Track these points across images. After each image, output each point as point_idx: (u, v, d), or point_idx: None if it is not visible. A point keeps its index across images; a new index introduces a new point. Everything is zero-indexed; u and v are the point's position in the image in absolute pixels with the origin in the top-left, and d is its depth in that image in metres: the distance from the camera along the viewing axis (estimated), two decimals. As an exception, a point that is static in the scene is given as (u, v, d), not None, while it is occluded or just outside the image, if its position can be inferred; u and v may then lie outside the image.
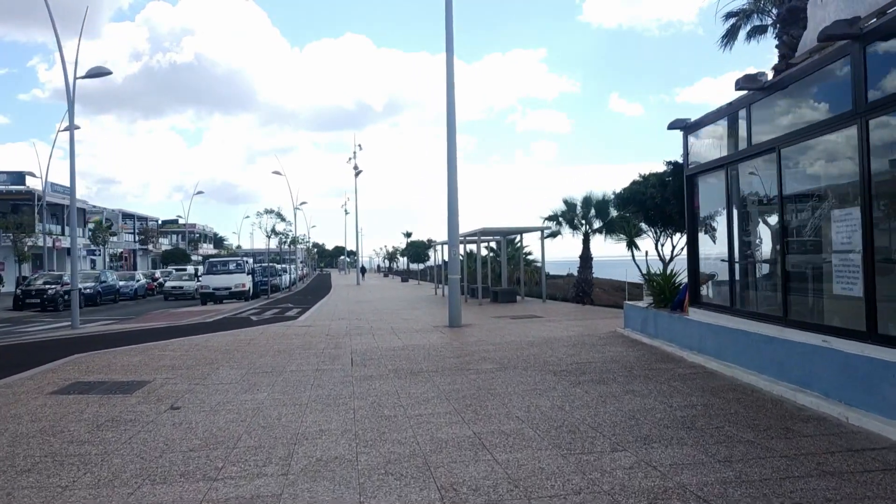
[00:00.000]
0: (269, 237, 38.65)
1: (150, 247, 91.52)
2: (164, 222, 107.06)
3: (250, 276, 37.37)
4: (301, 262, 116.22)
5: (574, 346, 12.47)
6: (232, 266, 37.18)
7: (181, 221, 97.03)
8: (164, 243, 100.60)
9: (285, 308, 27.66)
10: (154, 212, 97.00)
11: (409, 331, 16.65)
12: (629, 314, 13.83)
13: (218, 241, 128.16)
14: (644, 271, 13.77)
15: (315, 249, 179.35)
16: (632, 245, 36.01)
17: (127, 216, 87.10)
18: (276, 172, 58.43)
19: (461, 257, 37.71)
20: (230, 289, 35.35)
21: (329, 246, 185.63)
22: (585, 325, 16.54)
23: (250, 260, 41.28)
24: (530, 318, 19.20)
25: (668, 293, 12.27)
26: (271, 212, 38.21)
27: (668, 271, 12.94)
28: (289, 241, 58.58)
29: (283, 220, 38.75)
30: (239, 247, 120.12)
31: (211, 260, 38.51)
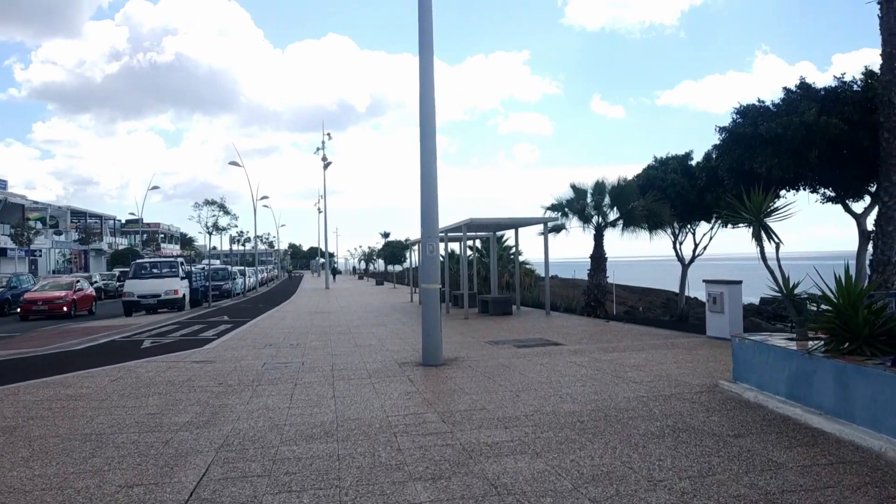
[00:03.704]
0: (209, 234, 32.07)
1: (107, 247, 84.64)
2: (128, 221, 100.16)
3: (185, 280, 30.82)
4: (273, 264, 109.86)
5: (673, 440, 6.25)
6: (162, 269, 30.61)
7: (135, 219, 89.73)
8: (123, 243, 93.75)
9: (212, 324, 21.25)
10: (130, 214, 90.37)
11: (358, 374, 10.37)
12: (748, 359, 7.60)
13: (186, 242, 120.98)
14: (773, 274, 7.45)
15: (290, 250, 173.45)
16: (675, 237, 30.19)
17: (77, 214, 79.91)
18: (234, 163, 51.94)
19: (441, 257, 31.54)
20: (159, 296, 28.85)
21: (306, 247, 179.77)
22: (640, 367, 10.33)
23: (183, 261, 34.65)
24: (543, 346, 12.98)
25: (863, 325, 6.08)
26: (212, 203, 31.64)
27: (848, 281, 6.61)
28: (243, 239, 52.07)
29: (227, 213, 32.19)
30: (214, 248, 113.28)
31: (138, 262, 31.89)
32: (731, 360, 10.18)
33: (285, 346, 14.29)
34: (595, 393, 8.12)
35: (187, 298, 30.94)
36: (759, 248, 7.40)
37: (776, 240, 7.35)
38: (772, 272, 7.34)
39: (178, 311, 29.13)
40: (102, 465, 5.75)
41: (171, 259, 34.74)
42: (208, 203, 31.93)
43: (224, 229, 32.45)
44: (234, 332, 18.05)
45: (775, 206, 7.43)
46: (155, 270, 30.64)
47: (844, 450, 5.42)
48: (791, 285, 7.32)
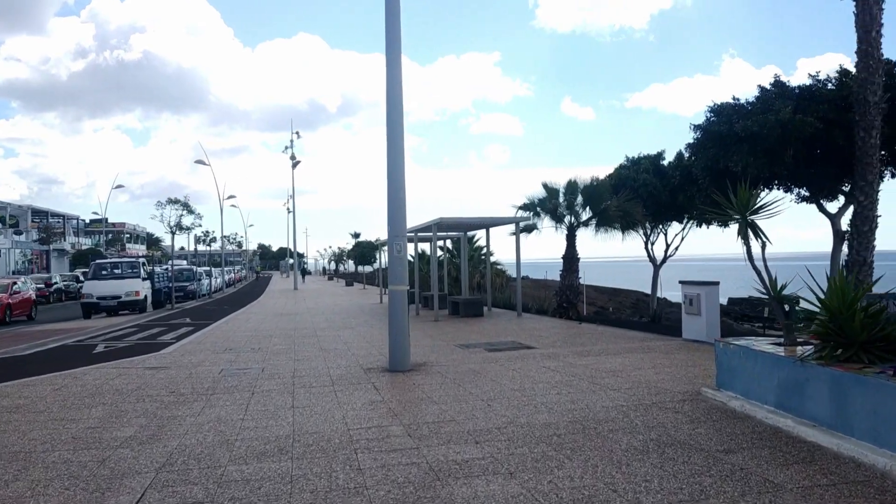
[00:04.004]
0: (173, 233, 31.15)
1: (70, 247, 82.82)
2: (92, 221, 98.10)
3: (147, 281, 29.90)
4: (242, 265, 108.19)
5: (659, 456, 5.77)
6: (123, 269, 29.64)
7: (99, 219, 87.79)
8: (87, 243, 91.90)
9: (173, 327, 20.48)
10: (94, 213, 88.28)
11: (321, 381, 9.78)
12: (733, 365, 7.16)
13: (152, 242, 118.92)
14: (760, 275, 6.98)
15: (259, 251, 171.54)
16: (646, 237, 29.86)
17: (39, 213, 77.97)
18: (200, 162, 50.92)
19: (410, 258, 30.98)
20: (120, 298, 27.91)
21: (275, 248, 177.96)
22: (616, 372, 9.88)
23: (145, 261, 33.63)
24: (515, 350, 12.49)
25: (860, 330, 5.65)
26: (176, 202, 30.73)
27: (842, 279, 6.16)
28: (209, 239, 51.07)
29: (191, 212, 31.31)
30: (182, 248, 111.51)
31: (97, 262, 30.86)
32: (711, 365, 9.76)
33: (246, 350, 13.64)
34: (571, 402, 7.63)
35: (149, 300, 30.02)
36: (745, 247, 6.97)
37: (763, 238, 6.92)
38: (759, 273, 6.91)
39: (140, 313, 28.24)
40: (25, 490, 5.12)
41: (133, 259, 33.74)
42: (171, 202, 31.06)
43: (188, 229, 31.60)
44: (195, 335, 17.33)
45: (763, 202, 6.99)
46: (115, 271, 29.68)
47: (845, 467, 4.98)
48: (779, 287, 6.89)
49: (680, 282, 13.79)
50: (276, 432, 6.72)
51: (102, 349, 14.64)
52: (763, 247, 7.13)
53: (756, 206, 6.91)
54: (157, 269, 38.15)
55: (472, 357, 11.71)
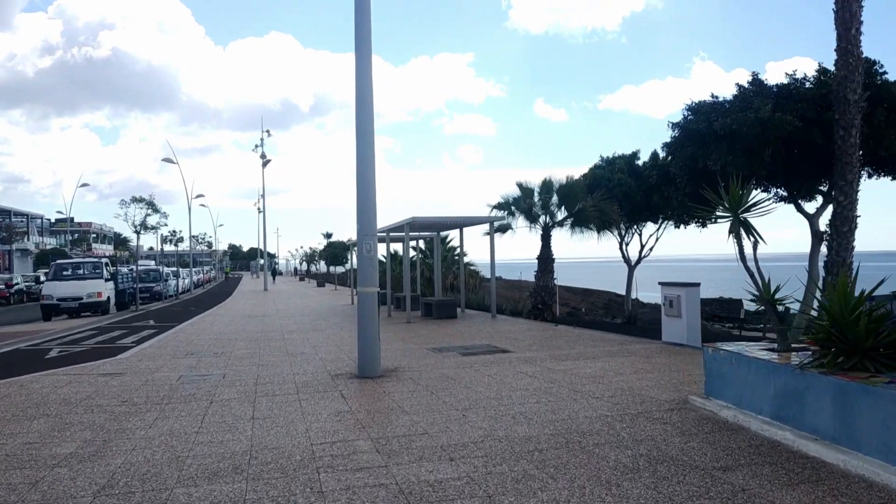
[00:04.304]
0: (137, 233, 30.25)
1: (33, 247, 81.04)
2: (57, 221, 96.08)
3: (111, 282, 28.98)
4: (211, 266, 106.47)
5: (651, 475, 5.31)
6: (85, 270, 28.70)
7: (65, 218, 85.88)
8: (52, 243, 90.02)
9: (134, 329, 19.73)
10: (58, 213, 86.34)
11: (285, 388, 9.21)
12: (723, 372, 6.71)
13: (119, 242, 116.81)
14: (753, 276, 6.53)
15: (229, 251, 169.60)
16: (621, 238, 29.57)
17: (1, 212, 76.03)
18: (168, 160, 49.82)
19: (382, 258, 30.40)
20: (81, 299, 27.02)
21: (246, 248, 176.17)
22: (597, 378, 9.44)
23: (108, 262, 32.66)
24: (491, 354, 12.01)
25: (864, 336, 5.23)
26: (140, 200, 29.83)
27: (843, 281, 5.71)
28: (175, 239, 50.00)
29: (156, 211, 30.42)
30: (151, 248, 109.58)
31: (58, 262, 29.86)
32: (696, 370, 9.38)
33: (208, 354, 13.00)
34: (552, 411, 7.15)
35: (112, 301, 29.11)
36: (737, 247, 6.53)
37: (756, 237, 6.49)
38: (751, 274, 6.48)
39: (103, 314, 27.37)
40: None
41: (95, 259, 32.74)
42: (136, 200, 30.14)
43: (153, 228, 30.70)
44: (157, 338, 16.63)
45: (755, 200, 6.56)
46: (77, 271, 28.74)
47: (856, 487, 4.55)
48: (773, 289, 6.46)
49: (660, 283, 13.40)
50: (233, 448, 6.15)
51: (56, 354, 13.91)
52: (755, 246, 6.71)
53: (748, 204, 6.48)
54: (123, 269, 37.21)
55: (445, 362, 11.20)
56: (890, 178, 17.61)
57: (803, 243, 17.87)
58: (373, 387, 9.07)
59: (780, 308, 6.62)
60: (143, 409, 7.99)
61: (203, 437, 6.61)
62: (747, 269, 6.53)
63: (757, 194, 7.31)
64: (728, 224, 6.79)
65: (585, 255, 45.12)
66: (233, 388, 9.24)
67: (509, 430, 6.42)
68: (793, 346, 6.39)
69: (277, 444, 6.20)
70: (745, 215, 6.47)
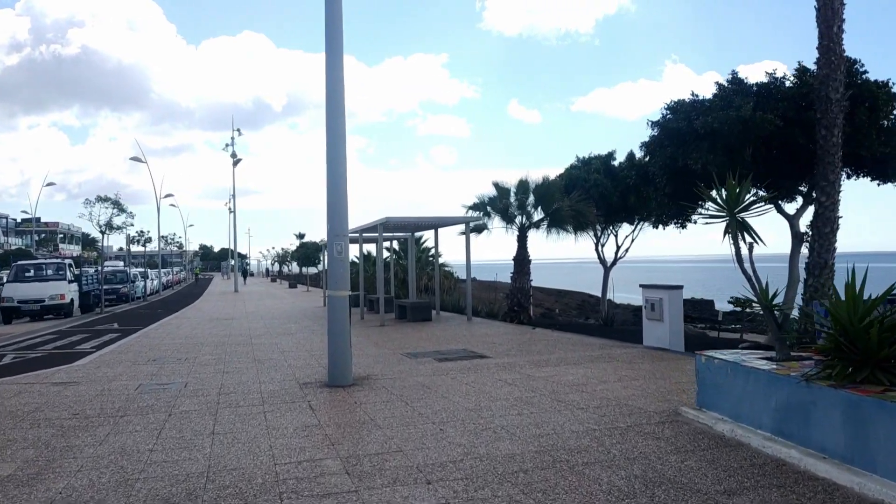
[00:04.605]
0: (102, 232, 29.40)
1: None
2: (23, 220, 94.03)
3: (74, 283, 28.10)
4: (182, 266, 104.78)
5: (649, 500, 4.86)
6: (47, 271, 27.80)
7: (30, 217, 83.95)
8: (18, 244, 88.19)
9: (97, 333, 18.99)
10: (23, 212, 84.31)
11: (250, 399, 8.65)
12: (718, 383, 6.29)
13: (88, 242, 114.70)
14: (751, 280, 6.09)
15: (200, 252, 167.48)
16: (597, 239, 29.25)
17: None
18: (136, 159, 48.77)
19: (356, 259, 29.81)
20: (43, 301, 26.15)
21: (217, 248, 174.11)
22: (580, 386, 9.00)
23: (72, 262, 31.72)
24: (468, 360, 11.53)
25: (877, 346, 4.82)
26: (105, 199, 28.98)
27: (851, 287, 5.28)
28: (143, 239, 49.02)
29: (122, 211, 29.58)
30: (121, 249, 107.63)
31: (19, 263, 28.94)
32: (682, 378, 8.98)
33: (171, 361, 12.38)
34: (535, 425, 6.68)
35: (76, 304, 28.25)
36: (734, 248, 6.11)
37: (755, 238, 6.08)
38: (749, 277, 6.06)
39: (66, 317, 26.52)
40: None
41: (58, 260, 31.78)
42: (101, 199, 29.26)
43: (119, 228, 29.82)
44: (119, 343, 15.94)
45: (751, 198, 6.14)
46: (40, 273, 27.82)
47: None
48: (771, 294, 6.05)
49: (641, 285, 13.01)
50: (188, 468, 5.60)
51: (10, 360, 13.19)
52: (751, 248, 6.30)
53: (745, 203, 6.06)
54: (89, 270, 36.23)
55: (420, 368, 10.70)
56: (870, 179, 17.43)
57: (781, 244, 17.62)
58: (343, 397, 8.54)
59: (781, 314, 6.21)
60: (94, 423, 7.40)
61: (157, 455, 6.05)
62: (744, 271, 6.12)
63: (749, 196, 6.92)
64: (722, 225, 6.38)
65: (561, 256, 44.91)
66: (194, 399, 8.67)
67: (491, 446, 5.94)
68: (792, 354, 5.98)
69: (238, 465, 5.67)
70: (741, 215, 6.05)
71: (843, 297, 5.16)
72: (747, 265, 6.17)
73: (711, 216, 6.22)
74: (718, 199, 6.18)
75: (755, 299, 6.04)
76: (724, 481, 4.82)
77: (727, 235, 6.08)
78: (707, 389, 6.52)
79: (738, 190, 6.09)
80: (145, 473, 5.51)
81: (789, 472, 4.94)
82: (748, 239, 6.16)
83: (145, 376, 10.63)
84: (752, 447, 5.55)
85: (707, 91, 17.69)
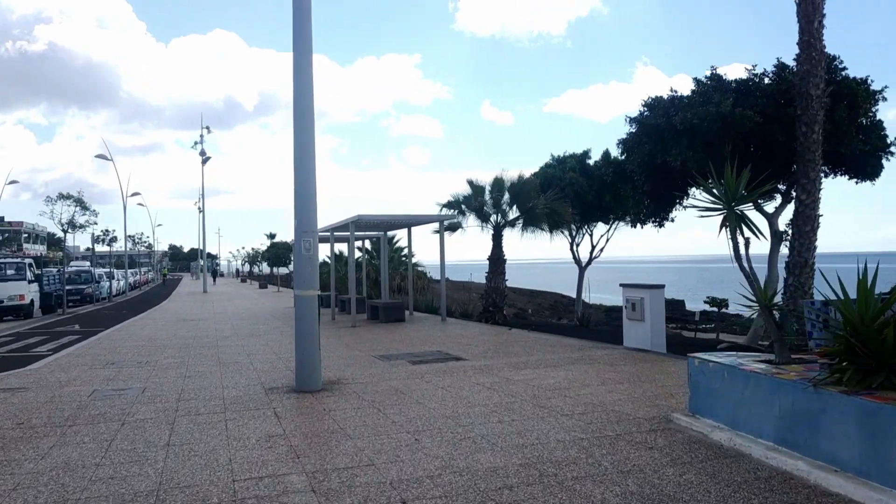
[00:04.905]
0: (65, 231, 28.47)
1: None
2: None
3: (35, 283, 27.15)
4: (151, 267, 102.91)
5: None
6: (6, 271, 26.81)
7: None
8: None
9: (56, 335, 18.23)
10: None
11: (211, 405, 8.09)
12: (713, 388, 5.87)
13: (54, 242, 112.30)
14: (749, 277, 5.69)
15: (170, 252, 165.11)
16: (572, 238, 28.91)
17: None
18: (101, 156, 47.66)
19: (327, 259, 29.21)
20: (2, 302, 25.21)
21: (187, 248, 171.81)
22: (562, 390, 8.56)
23: (32, 262, 30.69)
24: (443, 362, 11.05)
25: (892, 348, 4.42)
26: (68, 197, 28.05)
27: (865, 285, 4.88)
28: (108, 238, 47.88)
29: (85, 209, 28.66)
30: (88, 249, 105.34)
31: (-25, 263, 27.97)
32: (668, 381, 8.59)
33: (131, 364, 11.75)
34: (518, 434, 6.21)
35: (37, 305, 27.31)
36: (732, 244, 5.68)
37: (755, 232, 5.67)
38: (748, 275, 5.65)
39: (25, 318, 25.62)
40: None
41: (18, 260, 30.73)
42: (63, 197, 28.31)
43: (82, 227, 28.88)
44: (78, 345, 15.22)
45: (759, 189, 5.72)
46: (-2, 272, 26.82)
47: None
48: (770, 293, 5.65)
49: (621, 285, 12.61)
50: (136, 486, 5.06)
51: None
52: (748, 243, 5.89)
53: (749, 194, 5.64)
54: (52, 270, 35.19)
55: (393, 371, 10.20)
56: (847, 177, 17.25)
57: (759, 243, 17.35)
58: (312, 403, 8.02)
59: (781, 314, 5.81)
60: (39, 434, 6.81)
61: (104, 471, 5.49)
62: (742, 269, 5.71)
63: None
64: (717, 220, 5.96)
65: (535, 256, 44.64)
66: (151, 406, 8.09)
67: (471, 459, 5.46)
68: (793, 356, 5.58)
69: (192, 481, 5.13)
70: (741, 208, 5.64)
71: (840, 295, 4.75)
72: (739, 263, 5.75)
73: (707, 209, 5.79)
74: (715, 191, 5.75)
75: (754, 299, 5.63)
76: (728, 498, 4.39)
77: (724, 229, 5.65)
78: (701, 395, 6.10)
79: (735, 181, 5.66)
80: (87, 492, 4.96)
81: (799, 487, 4.52)
82: (746, 233, 5.75)
83: (101, 381, 10.00)
84: (754, 458, 5.13)
85: (684, 89, 17.31)
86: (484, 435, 6.20)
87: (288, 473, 5.26)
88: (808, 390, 4.77)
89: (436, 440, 6.07)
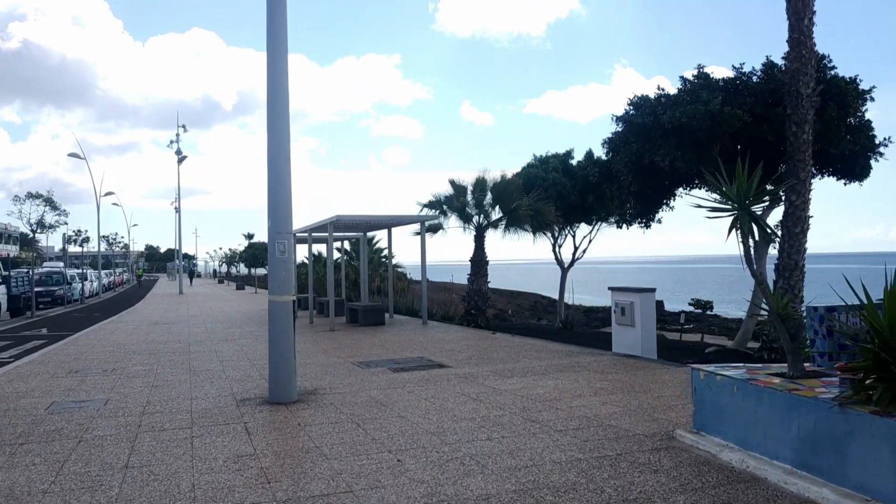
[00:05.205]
0: (34, 231, 27.66)
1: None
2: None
3: (2, 285, 26.31)
4: (126, 267, 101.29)
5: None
6: (-28, 272, 26.01)
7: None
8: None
9: (21, 340, 17.51)
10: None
11: (177, 420, 7.53)
12: (721, 403, 5.42)
13: (27, 242, 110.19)
14: (762, 285, 5.25)
15: (146, 252, 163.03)
16: (554, 239, 28.50)
17: None
18: (74, 155, 46.59)
19: (305, 260, 28.58)
20: (-34, 305, 24.40)
21: (164, 249, 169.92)
22: (553, 401, 8.10)
23: (-2, 263, 29.89)
24: (426, 370, 10.55)
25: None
26: (37, 197, 27.19)
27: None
28: (80, 239, 46.90)
29: (55, 209, 27.81)
30: (64, 249, 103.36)
31: (-60, 264, 27.15)
32: (664, 390, 8.16)
33: (96, 372, 11.13)
34: (509, 453, 5.72)
35: (4, 307, 26.46)
36: (742, 247, 5.23)
37: (769, 233, 5.23)
38: (760, 281, 5.21)
39: (-9, 322, 24.75)
40: None
41: (-16, 261, 29.85)
42: (32, 196, 27.45)
43: (52, 227, 28.01)
44: (43, 351, 14.54)
45: (771, 188, 5.28)
46: (-38, 275, 25.99)
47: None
48: (784, 300, 5.20)
49: (610, 288, 12.18)
50: (86, 519, 4.51)
51: None
52: (755, 247, 5.44)
53: (762, 194, 5.20)
54: (22, 271, 34.24)
55: (373, 380, 9.68)
56: (835, 178, 16.97)
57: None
58: (286, 417, 7.48)
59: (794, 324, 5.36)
60: (-15, 454, 6.21)
61: (51, 499, 4.93)
62: (754, 274, 5.27)
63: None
64: (713, 220, 5.51)
65: (516, 256, 44.24)
66: (112, 420, 7.51)
67: (459, 484, 4.96)
68: (808, 370, 5.14)
69: (149, 512, 4.59)
70: (754, 207, 5.19)
71: (864, 300, 4.31)
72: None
73: (715, 209, 5.33)
74: (726, 191, 5.29)
75: (765, 307, 5.19)
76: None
77: (734, 231, 5.20)
78: (707, 410, 5.65)
79: (747, 180, 5.21)
80: (30, 526, 4.41)
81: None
82: (756, 235, 5.30)
83: (62, 392, 9.39)
84: (771, 483, 4.68)
85: (670, 88, 16.94)
86: (472, 455, 5.70)
87: (257, 502, 4.73)
88: (833, 410, 4.33)
89: (420, 461, 5.57)
